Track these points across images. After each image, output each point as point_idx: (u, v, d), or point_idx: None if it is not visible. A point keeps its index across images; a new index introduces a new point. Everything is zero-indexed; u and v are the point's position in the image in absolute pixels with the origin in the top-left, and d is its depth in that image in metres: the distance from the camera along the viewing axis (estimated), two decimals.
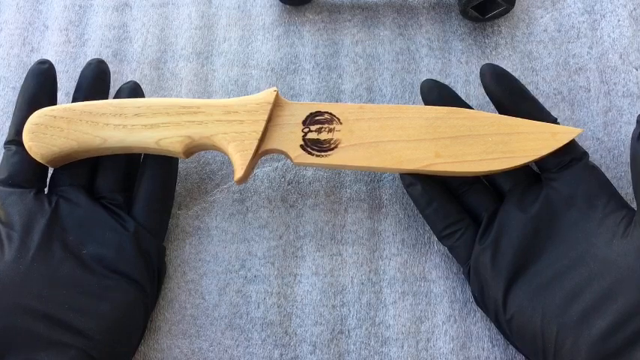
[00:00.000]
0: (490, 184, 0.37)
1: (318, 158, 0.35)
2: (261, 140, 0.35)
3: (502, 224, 0.35)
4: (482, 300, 0.35)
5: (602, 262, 0.32)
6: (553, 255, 0.33)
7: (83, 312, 0.32)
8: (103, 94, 0.39)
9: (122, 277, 0.34)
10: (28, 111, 0.36)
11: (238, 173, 0.35)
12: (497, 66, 0.37)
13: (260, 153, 0.35)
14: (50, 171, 0.38)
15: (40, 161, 0.35)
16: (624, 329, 0.30)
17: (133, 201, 0.37)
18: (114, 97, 0.38)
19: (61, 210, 0.35)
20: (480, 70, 0.37)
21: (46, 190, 0.37)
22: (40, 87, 0.37)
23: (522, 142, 0.35)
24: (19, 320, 0.31)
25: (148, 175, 0.37)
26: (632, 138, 0.33)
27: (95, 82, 0.38)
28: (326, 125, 0.35)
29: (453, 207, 0.36)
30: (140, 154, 0.38)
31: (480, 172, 0.35)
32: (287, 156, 0.36)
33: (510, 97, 0.36)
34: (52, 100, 0.38)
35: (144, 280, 0.35)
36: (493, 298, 0.34)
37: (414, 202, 0.37)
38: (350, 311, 0.37)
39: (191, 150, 0.36)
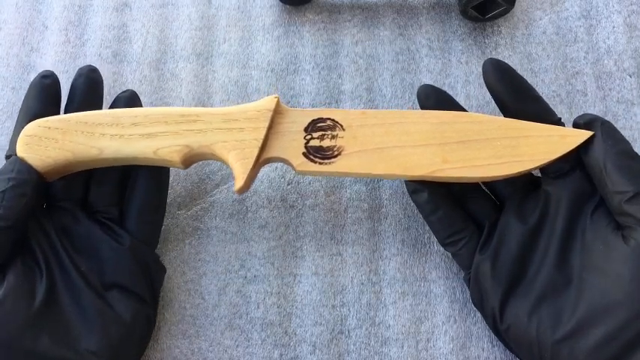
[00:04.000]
0: (489, 190, 0.37)
1: (321, 166, 0.34)
2: (262, 148, 0.34)
3: (502, 234, 0.35)
4: (481, 308, 0.35)
5: (594, 271, 0.32)
6: (548, 266, 0.33)
7: (86, 329, 0.32)
8: (96, 105, 0.37)
9: (122, 292, 0.34)
10: None
11: (239, 183, 0.34)
12: (500, 61, 0.36)
13: (261, 161, 0.35)
14: None
15: None
16: (619, 339, 0.30)
17: (125, 213, 0.36)
18: (110, 106, 0.37)
19: (59, 226, 0.35)
20: (483, 65, 0.36)
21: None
22: (43, 105, 0.36)
23: (531, 146, 0.34)
24: (22, 338, 0.31)
25: (140, 187, 0.36)
26: None
27: (87, 95, 0.37)
28: (329, 132, 0.35)
29: (457, 215, 0.35)
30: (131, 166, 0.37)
31: (488, 177, 0.34)
32: (289, 164, 0.35)
33: (514, 94, 0.35)
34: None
35: (143, 292, 0.35)
36: (491, 307, 0.34)
37: (419, 209, 0.36)
38: (350, 311, 0.37)
39: (190, 159, 0.35)
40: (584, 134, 0.34)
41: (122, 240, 0.35)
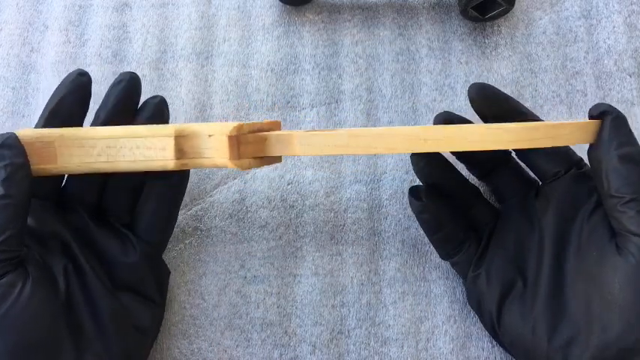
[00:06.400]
0: (492, 190, 0.37)
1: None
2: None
3: (498, 239, 0.35)
4: (479, 311, 0.35)
5: (587, 278, 0.31)
6: (543, 270, 0.33)
7: (101, 331, 0.32)
8: (128, 113, 0.35)
9: (136, 296, 0.34)
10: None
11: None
12: (483, 85, 0.34)
13: (252, 125, 0.32)
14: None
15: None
16: (612, 349, 0.30)
17: (137, 219, 0.35)
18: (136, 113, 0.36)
19: (73, 229, 0.34)
20: (468, 92, 0.34)
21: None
22: (79, 106, 0.34)
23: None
24: (52, 339, 0.31)
25: (155, 195, 0.35)
26: None
27: (122, 102, 0.35)
28: None
29: (459, 230, 0.35)
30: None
31: (513, 142, 0.30)
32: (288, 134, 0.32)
33: (501, 115, 0.34)
34: (82, 119, 0.35)
35: (154, 296, 0.35)
36: (488, 311, 0.34)
37: (423, 227, 0.36)
38: (350, 311, 0.37)
39: (182, 139, 0.32)
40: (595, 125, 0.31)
41: (134, 245, 0.35)
